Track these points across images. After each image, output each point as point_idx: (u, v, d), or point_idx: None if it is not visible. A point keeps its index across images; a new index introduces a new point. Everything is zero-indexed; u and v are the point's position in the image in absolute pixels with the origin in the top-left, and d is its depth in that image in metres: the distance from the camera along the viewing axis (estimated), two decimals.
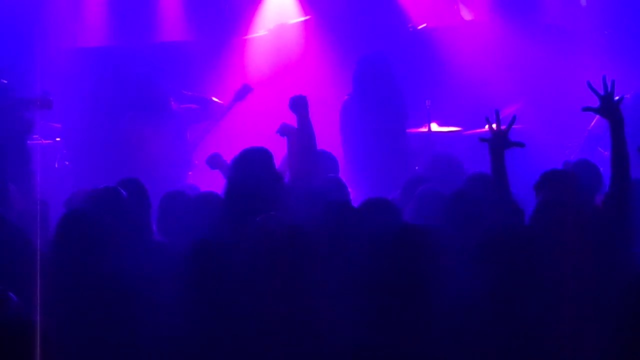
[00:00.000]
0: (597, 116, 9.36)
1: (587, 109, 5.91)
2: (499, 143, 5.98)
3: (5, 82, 9.11)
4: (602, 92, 5.81)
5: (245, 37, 11.65)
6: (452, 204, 6.07)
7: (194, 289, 5.27)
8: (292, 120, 7.82)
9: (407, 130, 9.83)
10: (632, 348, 4.56)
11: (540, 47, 11.21)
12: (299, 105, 7.56)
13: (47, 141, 10.20)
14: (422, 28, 11.37)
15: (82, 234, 5.64)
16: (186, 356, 5.12)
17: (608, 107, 5.82)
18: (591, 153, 8.86)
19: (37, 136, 9.69)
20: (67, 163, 10.26)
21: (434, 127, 10.20)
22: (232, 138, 9.89)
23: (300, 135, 7.42)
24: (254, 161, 6.89)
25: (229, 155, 7.73)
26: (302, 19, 11.65)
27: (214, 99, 10.25)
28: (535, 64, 10.96)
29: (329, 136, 9.83)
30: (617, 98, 5.81)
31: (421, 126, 10.19)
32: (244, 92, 10.13)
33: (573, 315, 5.06)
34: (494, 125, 6.01)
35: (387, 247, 4.97)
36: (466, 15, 11.60)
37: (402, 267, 4.88)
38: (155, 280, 5.46)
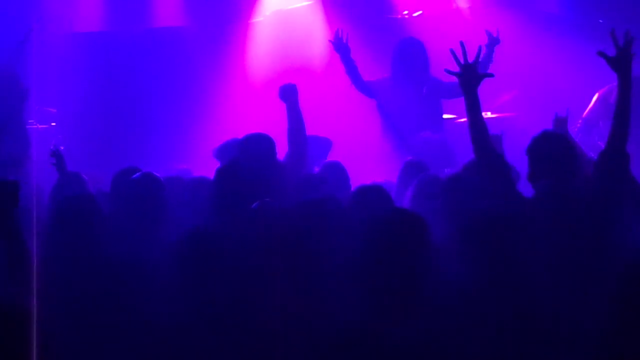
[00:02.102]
0: (591, 104, 9.40)
1: (601, 53, 5.80)
2: (470, 76, 5.91)
3: None
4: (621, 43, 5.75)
5: (245, 22, 11.62)
6: (449, 189, 6.06)
7: (188, 276, 5.29)
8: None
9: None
10: (629, 334, 4.58)
11: (537, 35, 11.22)
12: (288, 93, 7.44)
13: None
14: (417, 15, 11.37)
15: (80, 220, 5.64)
16: (184, 344, 5.13)
17: (622, 59, 5.75)
18: (585, 141, 8.85)
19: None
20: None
21: None
22: (232, 129, 9.81)
23: (290, 125, 7.35)
24: (255, 147, 6.89)
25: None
26: (300, 5, 11.64)
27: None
28: (531, 52, 10.96)
29: (325, 122, 9.89)
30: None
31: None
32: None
33: (568, 299, 5.08)
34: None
35: (380, 232, 4.94)
36: (462, 2, 11.61)
37: (396, 252, 4.86)
38: (152, 267, 5.47)
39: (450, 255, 5.12)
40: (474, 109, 5.88)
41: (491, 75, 6.03)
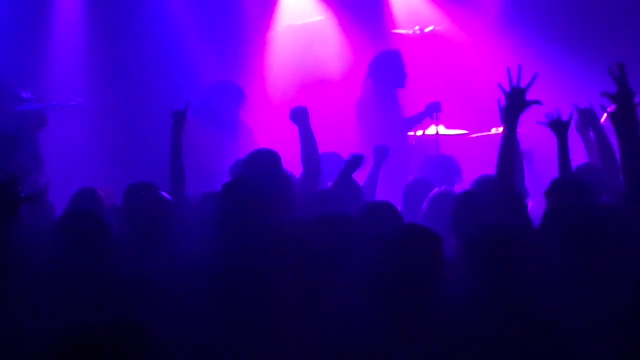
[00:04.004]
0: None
1: (605, 94, 5.69)
2: (517, 100, 5.72)
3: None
4: (619, 79, 5.65)
5: (258, 36, 11.65)
6: (462, 205, 6.04)
7: (202, 292, 5.30)
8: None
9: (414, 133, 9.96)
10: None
11: (548, 51, 11.23)
12: (299, 116, 7.50)
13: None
14: (430, 31, 11.39)
15: (82, 236, 5.63)
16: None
17: (624, 95, 5.64)
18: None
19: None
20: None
21: (442, 129, 10.22)
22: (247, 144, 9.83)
23: (303, 146, 7.41)
24: (261, 163, 6.91)
25: None
26: (314, 20, 11.66)
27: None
28: (541, 67, 10.97)
29: (337, 137, 9.92)
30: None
31: (429, 128, 10.23)
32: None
33: (578, 318, 5.06)
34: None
35: (393, 248, 4.93)
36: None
37: (408, 268, 4.85)
38: (162, 283, 5.47)
39: (463, 272, 5.11)
40: (511, 134, 5.69)
41: (539, 102, 5.80)
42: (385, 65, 9.90)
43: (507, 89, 5.79)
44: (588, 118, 7.02)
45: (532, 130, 9.50)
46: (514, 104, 5.73)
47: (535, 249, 5.12)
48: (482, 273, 5.00)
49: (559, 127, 6.53)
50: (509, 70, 5.79)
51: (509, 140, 5.70)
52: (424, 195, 6.89)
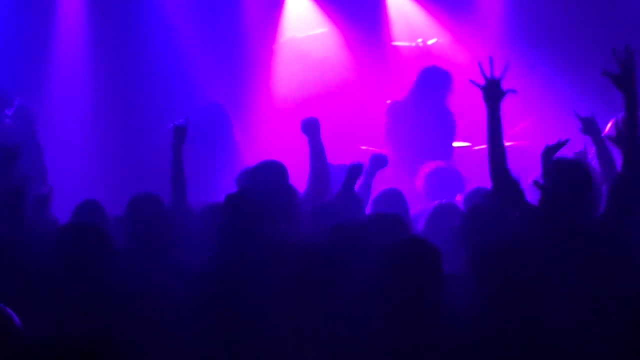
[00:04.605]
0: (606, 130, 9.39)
1: (605, 73, 5.68)
2: (494, 91, 5.84)
3: None
4: (623, 60, 5.64)
5: (262, 48, 11.67)
6: (468, 218, 6.05)
7: (205, 303, 5.31)
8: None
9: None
10: None
11: (548, 64, 11.26)
12: (310, 127, 7.53)
13: None
14: (433, 43, 11.42)
15: (80, 249, 5.63)
16: None
17: (625, 76, 5.64)
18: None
19: None
20: None
21: None
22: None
23: (312, 157, 7.43)
24: (266, 174, 6.92)
25: None
26: (316, 32, 11.68)
27: None
28: (543, 81, 11.00)
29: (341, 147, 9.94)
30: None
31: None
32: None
33: (581, 333, 5.07)
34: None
35: (394, 261, 4.95)
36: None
37: (409, 281, 4.87)
38: (165, 295, 5.48)
39: (466, 285, 5.12)
40: (495, 124, 5.82)
41: (514, 91, 5.90)
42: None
43: (481, 82, 5.89)
44: (589, 127, 7.04)
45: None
46: (491, 95, 5.84)
47: (530, 260, 5.11)
48: (487, 288, 5.01)
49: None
50: (480, 64, 5.91)
51: (493, 127, 5.81)
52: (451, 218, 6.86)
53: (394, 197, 7.30)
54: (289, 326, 5.18)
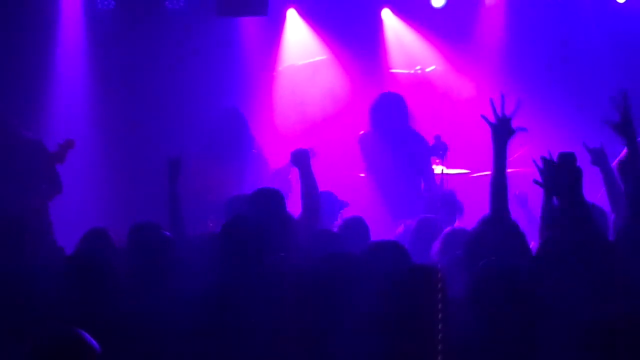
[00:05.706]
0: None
1: (606, 122, 5.76)
2: (504, 130, 5.82)
3: None
4: (621, 108, 5.72)
5: (261, 74, 11.71)
6: (472, 243, 6.04)
7: (204, 330, 5.31)
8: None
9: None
10: None
11: (545, 89, 11.31)
12: (300, 158, 7.59)
13: None
14: (431, 70, 11.47)
15: (87, 277, 5.65)
16: None
17: (625, 124, 5.71)
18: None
19: None
20: None
21: (442, 169, 10.25)
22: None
23: (303, 188, 7.49)
24: (263, 202, 6.94)
25: None
26: (315, 59, 11.72)
27: None
28: (543, 106, 11.03)
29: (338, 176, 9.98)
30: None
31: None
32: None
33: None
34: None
35: (397, 288, 4.97)
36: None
37: (411, 309, 4.88)
38: (164, 323, 5.48)
39: (470, 311, 5.12)
40: (501, 160, 5.81)
41: (524, 129, 5.91)
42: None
43: (492, 120, 5.88)
44: (597, 158, 7.06)
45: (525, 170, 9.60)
46: (501, 133, 5.83)
47: (532, 285, 5.11)
48: (488, 314, 5.00)
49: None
50: (492, 101, 5.89)
51: (498, 165, 5.81)
52: (433, 235, 6.92)
53: (356, 224, 7.32)
54: (289, 353, 5.18)
